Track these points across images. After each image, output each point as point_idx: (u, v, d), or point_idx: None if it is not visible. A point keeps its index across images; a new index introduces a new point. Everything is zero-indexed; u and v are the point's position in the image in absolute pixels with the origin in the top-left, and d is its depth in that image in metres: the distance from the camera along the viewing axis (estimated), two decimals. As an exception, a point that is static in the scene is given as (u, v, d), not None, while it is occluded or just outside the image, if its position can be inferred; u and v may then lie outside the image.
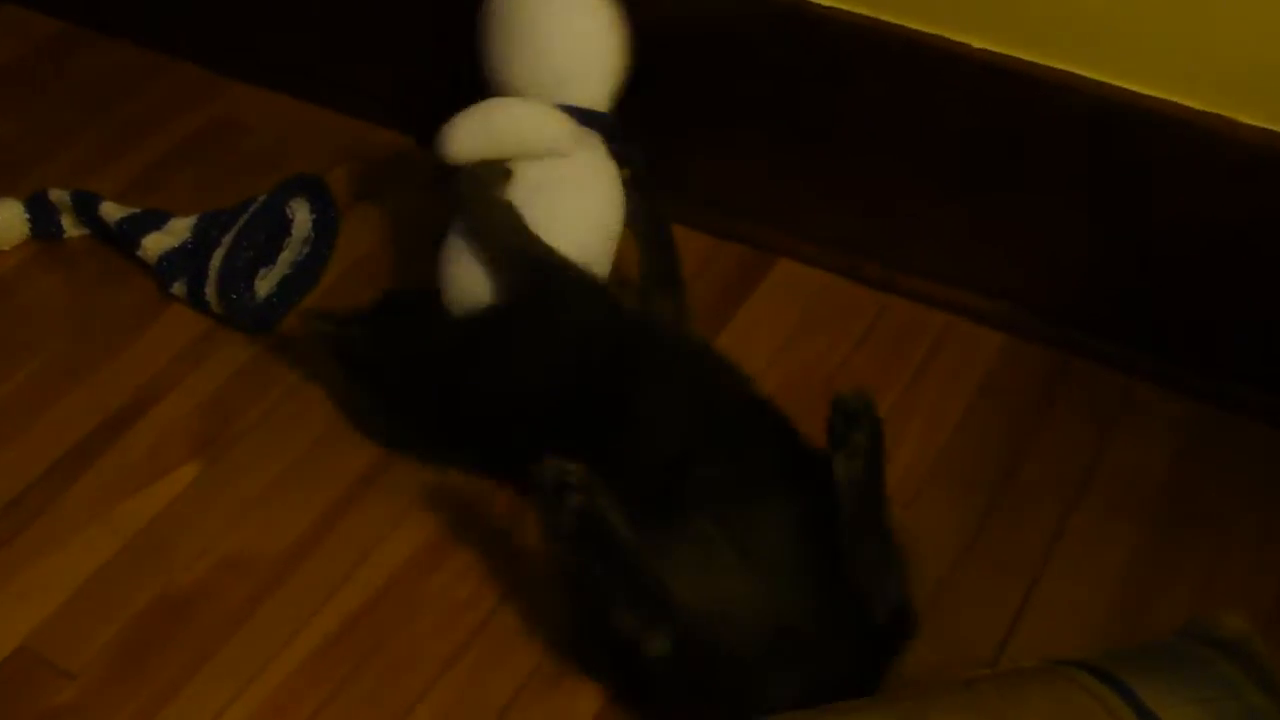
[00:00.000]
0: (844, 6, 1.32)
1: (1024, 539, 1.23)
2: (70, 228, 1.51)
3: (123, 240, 1.48)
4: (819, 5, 1.33)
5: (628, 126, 1.32)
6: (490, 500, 1.27)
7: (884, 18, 1.30)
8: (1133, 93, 1.24)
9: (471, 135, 1.25)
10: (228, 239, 1.42)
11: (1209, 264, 1.28)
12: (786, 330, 1.42)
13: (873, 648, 1.04)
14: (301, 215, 1.49)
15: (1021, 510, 1.25)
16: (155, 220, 1.47)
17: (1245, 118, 1.21)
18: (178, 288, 1.44)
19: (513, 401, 1.20)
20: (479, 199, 1.24)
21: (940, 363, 1.38)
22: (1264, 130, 1.21)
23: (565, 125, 1.25)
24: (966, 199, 1.37)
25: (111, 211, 1.49)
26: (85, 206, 1.49)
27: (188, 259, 1.43)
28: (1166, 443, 1.30)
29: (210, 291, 1.41)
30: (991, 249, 1.39)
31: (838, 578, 1.03)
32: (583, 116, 1.28)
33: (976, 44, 1.29)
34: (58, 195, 1.50)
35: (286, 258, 1.47)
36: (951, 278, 1.42)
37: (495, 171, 1.25)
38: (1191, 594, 1.18)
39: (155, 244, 1.45)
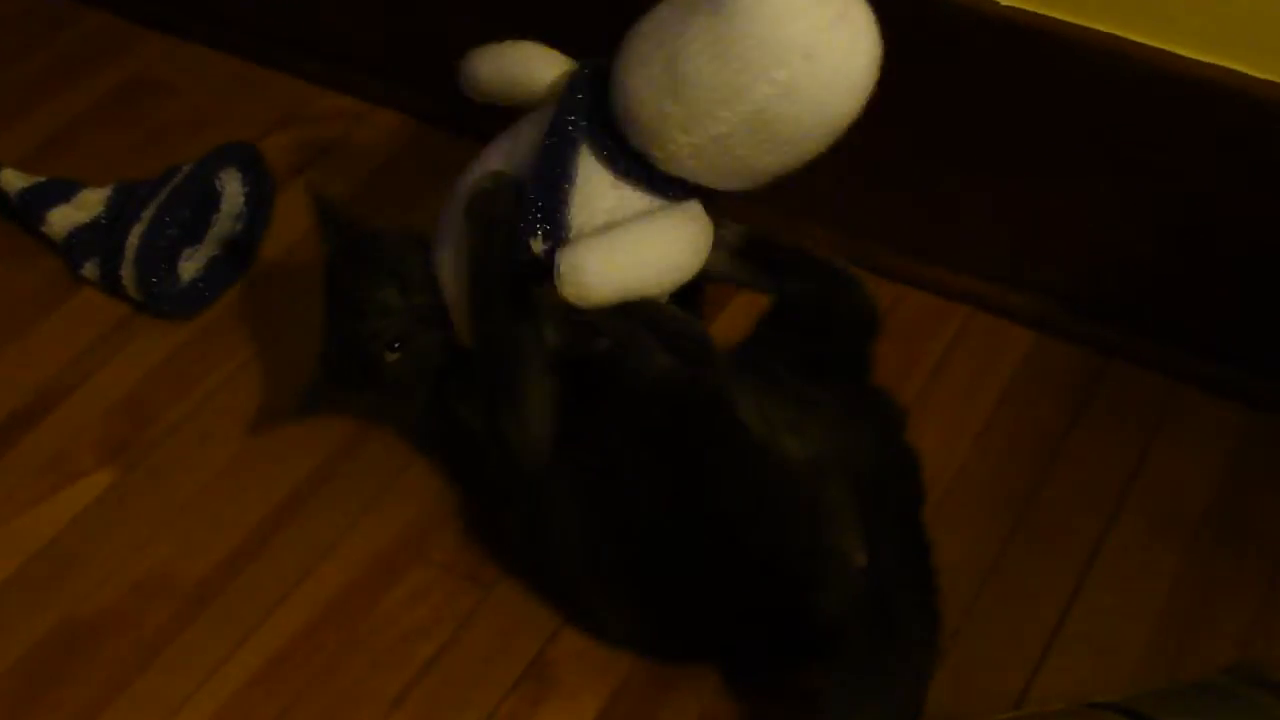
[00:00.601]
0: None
1: (1053, 563, 1.22)
2: (-37, 199, 1.50)
3: (25, 214, 1.46)
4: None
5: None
6: (448, 514, 1.26)
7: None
8: (1191, 60, 1.23)
9: (610, 285, 1.11)
10: (147, 214, 1.41)
11: (1267, 259, 1.28)
12: (786, 323, 1.41)
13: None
14: (233, 188, 1.47)
15: (1051, 530, 1.25)
16: (63, 191, 1.46)
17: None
18: (89, 269, 1.43)
19: None
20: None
21: (961, 362, 1.38)
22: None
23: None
24: (993, 180, 1.36)
25: (12, 180, 1.47)
26: (-19, 175, 1.48)
27: (101, 236, 1.42)
28: (1215, 455, 1.30)
29: (127, 274, 1.40)
30: (1021, 236, 1.39)
31: None
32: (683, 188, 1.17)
33: (1003, 0, 1.28)
34: (-51, 161, 1.49)
35: (215, 235, 1.46)
36: (976, 267, 1.41)
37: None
38: (1240, 628, 1.18)
39: (63, 218, 1.44)
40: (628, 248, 1.11)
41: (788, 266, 1.21)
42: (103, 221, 1.44)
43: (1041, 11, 1.27)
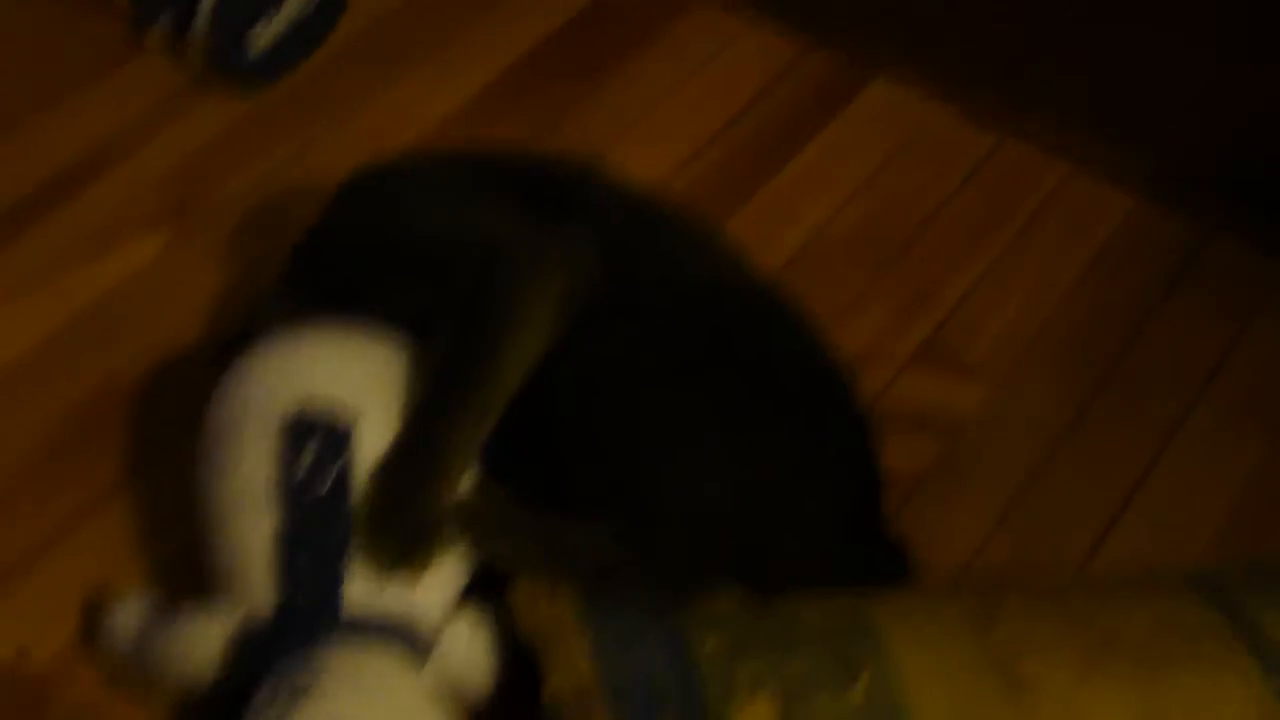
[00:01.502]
0: None
1: (1132, 433, 1.18)
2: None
3: (101, -35, 1.42)
4: None
5: None
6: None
7: None
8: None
9: None
10: (226, -22, 1.37)
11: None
12: (877, 159, 1.36)
13: None
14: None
15: (1132, 400, 1.20)
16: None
17: None
18: (159, 27, 1.39)
19: None
20: None
21: (1055, 220, 1.33)
22: None
23: None
24: (1110, 26, 1.30)
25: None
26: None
27: (175, -7, 1.39)
28: (1313, 338, 1.25)
29: (197, 36, 1.37)
30: (1132, 93, 1.33)
31: None
32: None
33: None
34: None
35: (290, 10, 1.40)
36: (1080, 123, 1.36)
37: None
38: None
39: (138, -27, 1.40)
40: None
41: None
42: (180, -20, 1.39)
43: None
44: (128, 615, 0.99)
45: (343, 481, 0.96)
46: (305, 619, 0.93)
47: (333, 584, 0.94)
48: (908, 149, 1.38)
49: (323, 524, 0.95)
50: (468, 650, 0.96)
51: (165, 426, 1.14)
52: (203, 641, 0.95)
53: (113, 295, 1.23)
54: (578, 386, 1.01)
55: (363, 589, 0.94)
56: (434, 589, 0.96)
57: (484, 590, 0.99)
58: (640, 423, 1.00)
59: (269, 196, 1.30)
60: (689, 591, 0.96)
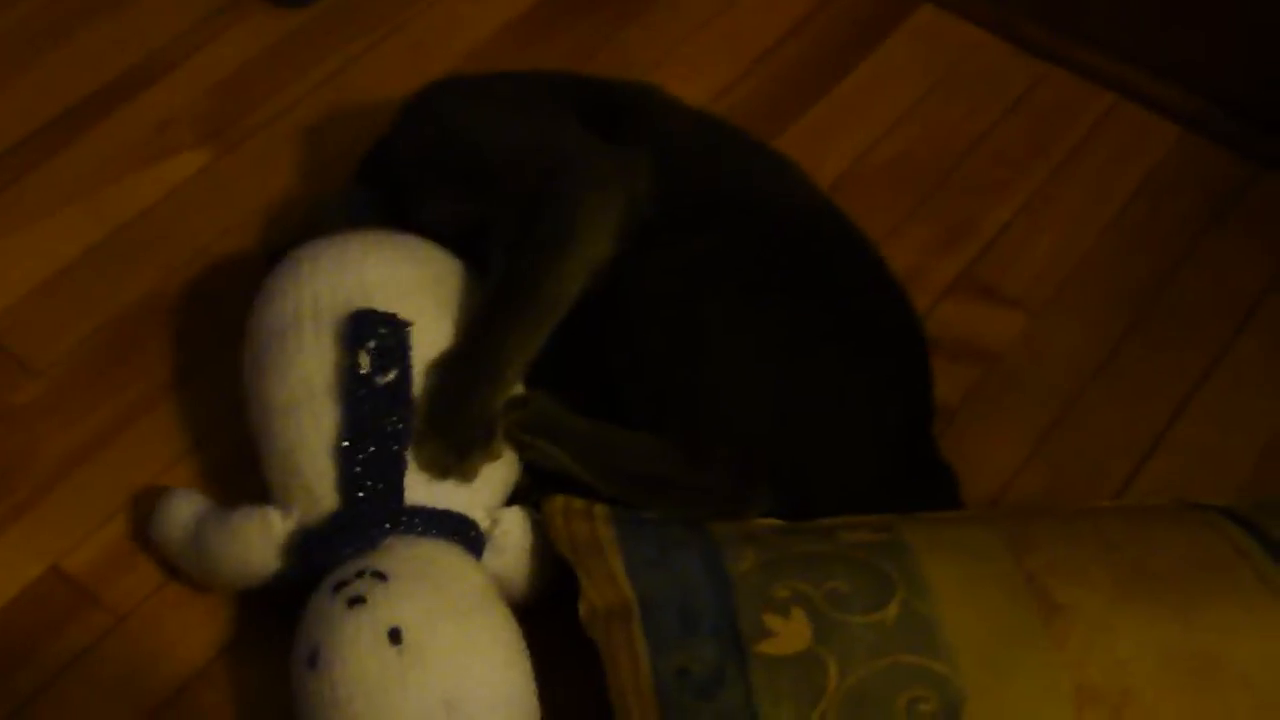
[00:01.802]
0: None
1: (1170, 365, 1.17)
2: None
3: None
4: None
5: None
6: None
7: None
8: None
9: None
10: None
11: None
12: (922, 87, 1.36)
13: None
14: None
15: (1172, 333, 1.20)
16: None
17: None
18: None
19: None
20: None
21: (1100, 149, 1.32)
22: None
23: None
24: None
25: None
26: None
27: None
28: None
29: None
30: (1182, 23, 1.31)
31: None
32: None
33: None
34: None
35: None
36: (1129, 52, 1.34)
37: None
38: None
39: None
40: None
41: None
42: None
43: None
44: (182, 508, 1.01)
45: (404, 377, 0.97)
46: (371, 510, 0.95)
47: (396, 476, 0.96)
48: (952, 77, 1.37)
49: (385, 417, 0.96)
50: (517, 550, 0.98)
51: (206, 336, 1.15)
52: (261, 538, 0.96)
53: (158, 206, 1.24)
54: (637, 298, 1.02)
55: (421, 486, 0.96)
56: (486, 489, 0.98)
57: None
58: (695, 338, 1.01)
59: (312, 112, 1.30)
60: (730, 508, 0.97)
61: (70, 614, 1.01)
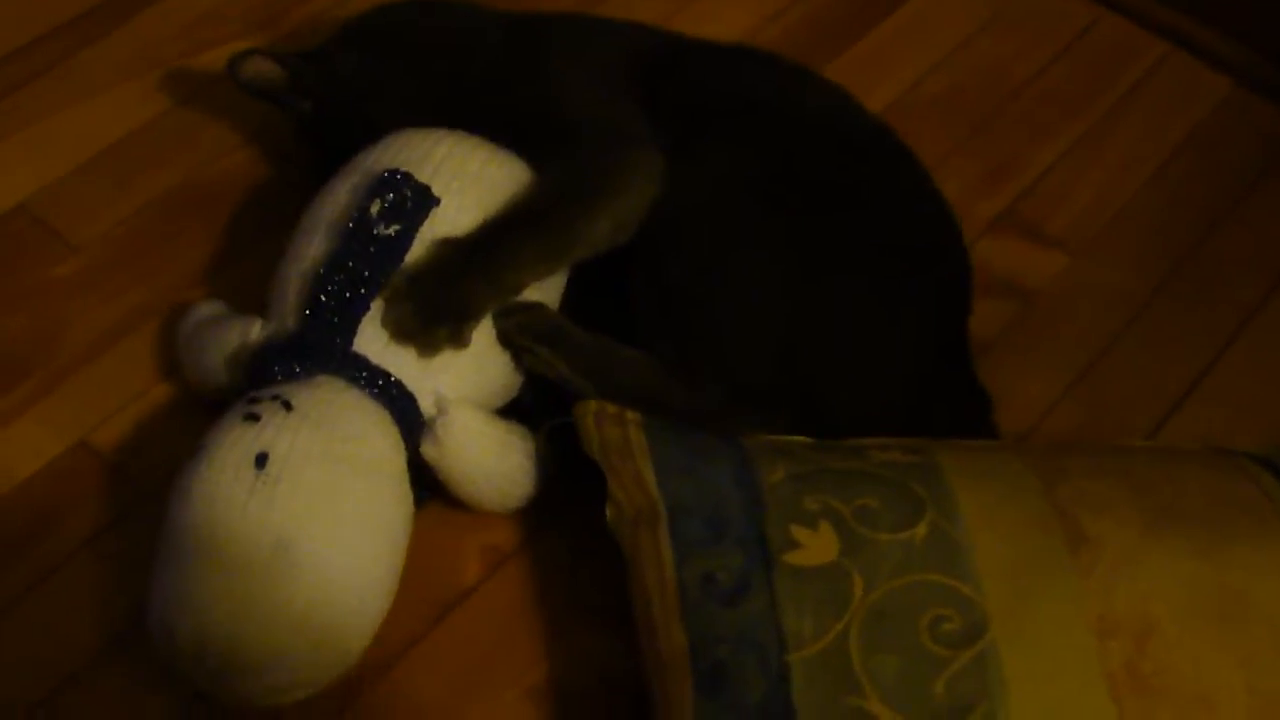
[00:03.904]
0: None
1: (1206, 316, 1.17)
2: None
3: None
4: None
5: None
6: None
7: None
8: None
9: None
10: None
11: None
12: (973, 25, 1.35)
13: None
14: None
15: (1210, 285, 1.19)
16: None
17: None
18: None
19: None
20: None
21: (1149, 97, 1.31)
22: None
23: None
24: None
25: None
26: None
27: None
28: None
29: None
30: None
31: None
32: None
33: None
34: None
35: None
36: (1183, 2, 1.33)
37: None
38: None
39: None
40: None
41: None
42: None
43: None
44: (202, 309, 1.04)
45: (404, 236, 0.97)
46: (315, 340, 0.95)
47: (352, 319, 0.95)
48: (1004, 16, 1.36)
49: (365, 261, 0.96)
50: (456, 447, 0.96)
51: (245, 226, 1.16)
52: (227, 347, 0.98)
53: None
54: (661, 212, 1.02)
55: (378, 344, 0.95)
56: (445, 376, 0.97)
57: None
58: (712, 254, 1.01)
59: (363, 3, 1.29)
60: (719, 429, 0.97)
61: (96, 489, 1.01)
